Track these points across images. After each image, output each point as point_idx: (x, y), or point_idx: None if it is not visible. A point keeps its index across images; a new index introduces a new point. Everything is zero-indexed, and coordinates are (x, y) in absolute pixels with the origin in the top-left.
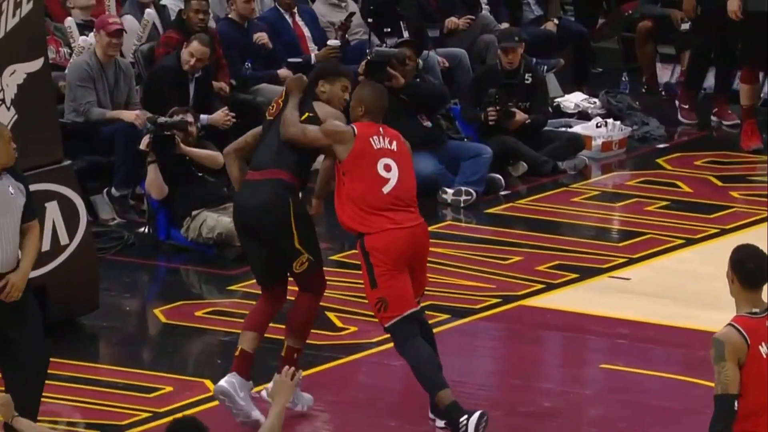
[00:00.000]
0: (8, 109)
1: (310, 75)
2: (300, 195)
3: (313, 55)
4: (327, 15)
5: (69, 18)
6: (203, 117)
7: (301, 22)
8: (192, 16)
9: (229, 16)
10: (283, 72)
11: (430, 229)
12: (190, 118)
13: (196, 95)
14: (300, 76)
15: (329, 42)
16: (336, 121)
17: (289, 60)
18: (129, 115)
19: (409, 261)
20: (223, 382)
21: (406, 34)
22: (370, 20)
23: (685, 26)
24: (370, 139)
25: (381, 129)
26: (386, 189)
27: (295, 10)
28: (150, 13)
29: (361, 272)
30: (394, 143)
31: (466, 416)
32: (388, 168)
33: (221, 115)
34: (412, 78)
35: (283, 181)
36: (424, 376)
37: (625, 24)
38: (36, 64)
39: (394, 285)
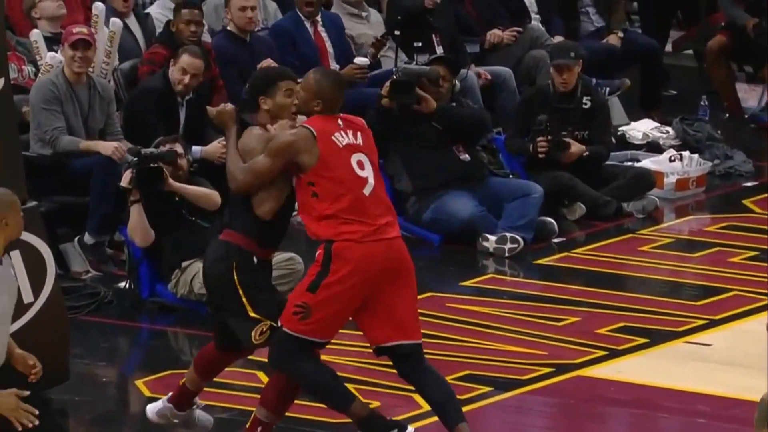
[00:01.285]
0: None
1: (244, 94)
2: (254, 259)
3: None
4: (346, 27)
5: (35, 31)
6: (196, 148)
7: (323, 33)
8: (182, 28)
9: (227, 28)
10: None
11: (468, 283)
12: (180, 149)
13: (187, 122)
14: (229, 108)
15: (356, 60)
16: (282, 132)
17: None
18: (107, 147)
19: (378, 283)
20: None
21: (439, 50)
22: (397, 33)
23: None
24: (333, 138)
25: (340, 121)
26: (366, 190)
27: (319, 17)
28: (115, 22)
29: None
30: (359, 135)
31: (396, 429)
32: (361, 165)
33: (217, 147)
34: (447, 102)
35: (230, 243)
36: (326, 390)
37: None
38: None
39: (332, 308)
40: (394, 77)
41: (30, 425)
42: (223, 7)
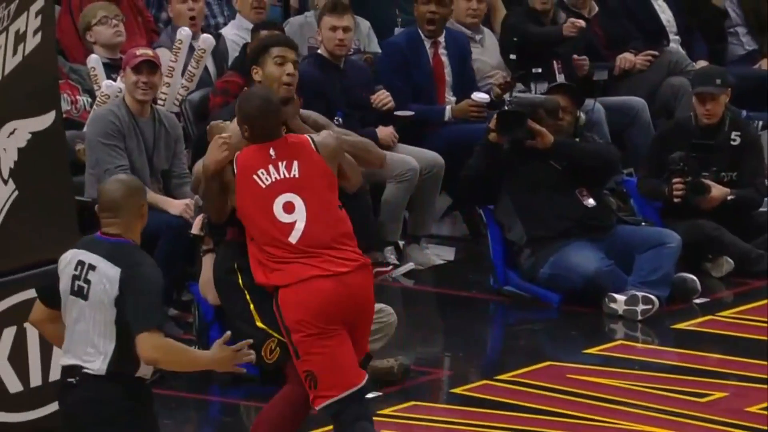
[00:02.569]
0: (5, 182)
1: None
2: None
3: (447, 109)
4: None
5: (93, 56)
6: None
7: (444, 57)
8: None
9: (318, 52)
10: (383, 131)
11: (593, 350)
12: None
13: None
14: (218, 125)
15: (474, 95)
16: (212, 153)
17: (396, 113)
18: (176, 206)
19: (344, 319)
20: None
21: (560, 78)
22: (512, 56)
23: None
24: (254, 177)
25: (272, 150)
26: (293, 238)
27: (442, 38)
28: (206, 38)
29: None
30: (295, 165)
31: None
32: (289, 208)
33: None
34: (568, 136)
35: (232, 243)
36: None
37: None
38: (44, 121)
39: (322, 354)
40: (505, 107)
41: (251, 358)
42: (310, 27)
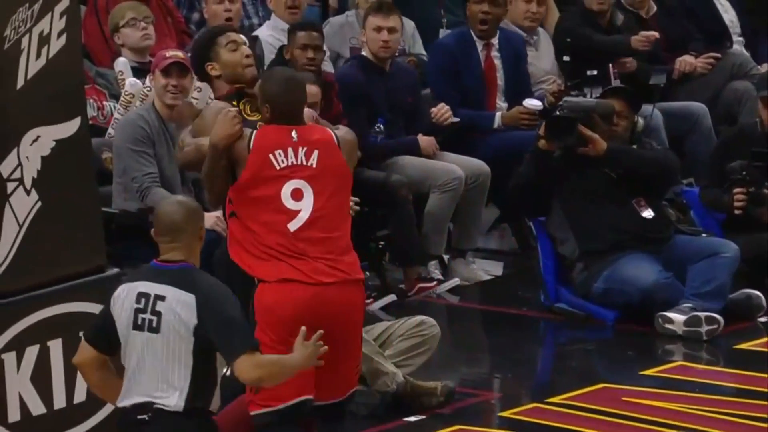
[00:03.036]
0: (27, 193)
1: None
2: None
3: (497, 116)
4: None
5: (120, 60)
6: None
7: (497, 60)
8: (298, 54)
9: (362, 53)
10: (424, 140)
11: (650, 372)
12: None
13: None
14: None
15: (526, 102)
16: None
17: (453, 118)
18: (207, 219)
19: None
20: None
21: (616, 81)
22: (565, 58)
23: None
24: (271, 156)
25: (294, 133)
26: (292, 225)
27: (495, 40)
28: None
29: None
30: (315, 154)
31: None
32: (297, 195)
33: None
34: (624, 143)
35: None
36: None
37: None
38: (69, 127)
39: None
40: (557, 113)
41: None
42: (351, 27)
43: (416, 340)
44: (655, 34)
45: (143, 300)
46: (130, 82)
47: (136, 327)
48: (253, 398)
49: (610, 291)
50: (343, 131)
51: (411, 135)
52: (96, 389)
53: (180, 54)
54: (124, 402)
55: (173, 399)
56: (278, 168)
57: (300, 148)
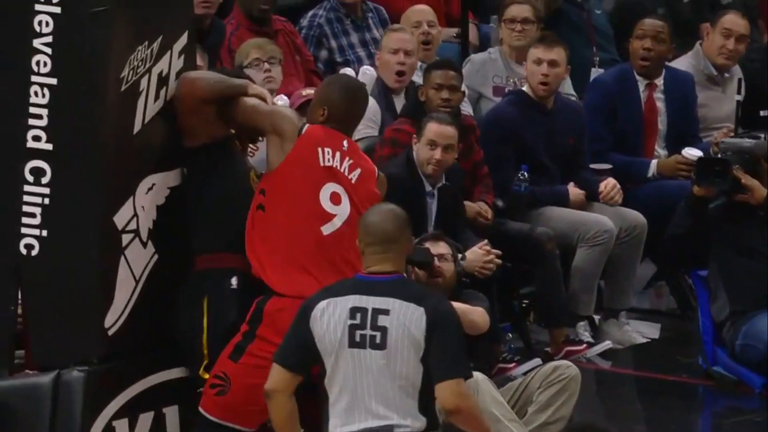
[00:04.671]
0: (144, 245)
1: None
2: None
3: (653, 164)
4: None
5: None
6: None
7: (660, 103)
8: (432, 94)
9: (522, 89)
10: (576, 192)
11: None
12: (444, 249)
13: (438, 217)
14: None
15: (686, 151)
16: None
17: (592, 166)
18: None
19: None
20: None
21: None
22: (738, 97)
23: None
24: (318, 149)
25: (345, 143)
26: (326, 229)
27: (660, 80)
28: (365, 71)
29: None
30: (357, 172)
31: None
32: (336, 199)
33: (479, 254)
34: None
35: None
36: None
37: None
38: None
39: (255, 383)
40: (714, 149)
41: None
42: (494, 65)
43: (556, 387)
44: None
45: (359, 315)
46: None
47: (354, 344)
48: (213, 400)
49: (746, 348)
50: (383, 176)
51: (566, 181)
52: (283, 421)
53: (312, 92)
54: (350, 427)
55: (414, 421)
56: (322, 164)
57: (346, 158)
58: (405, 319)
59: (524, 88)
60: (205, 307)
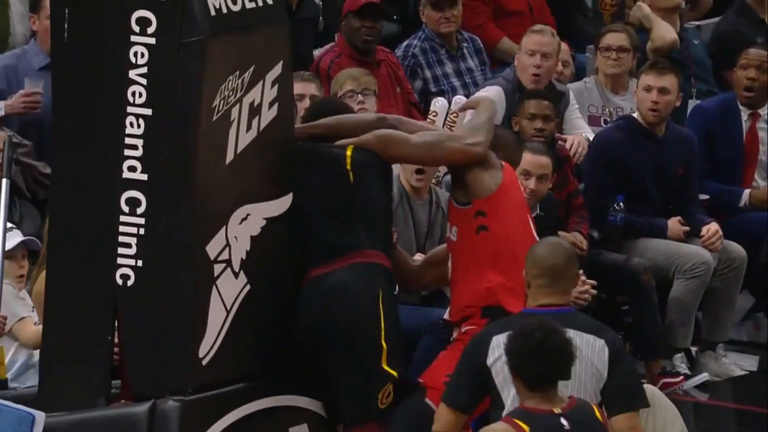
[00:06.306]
0: (236, 275)
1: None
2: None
3: (745, 193)
4: None
5: None
6: None
7: (762, 131)
8: (525, 124)
9: (633, 115)
10: (676, 227)
11: None
12: None
13: None
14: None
15: None
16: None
17: (701, 196)
18: None
19: None
20: None
21: None
22: None
23: None
24: (519, 181)
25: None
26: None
27: (764, 110)
28: (439, 104)
29: None
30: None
31: None
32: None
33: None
34: None
35: (376, 266)
36: None
37: None
38: (280, 205)
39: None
40: None
41: None
42: (590, 94)
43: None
44: None
45: None
46: None
47: None
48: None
49: None
50: None
51: (669, 212)
52: None
53: None
54: None
55: None
56: (523, 196)
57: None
58: (588, 351)
59: (635, 115)
60: (380, 299)
